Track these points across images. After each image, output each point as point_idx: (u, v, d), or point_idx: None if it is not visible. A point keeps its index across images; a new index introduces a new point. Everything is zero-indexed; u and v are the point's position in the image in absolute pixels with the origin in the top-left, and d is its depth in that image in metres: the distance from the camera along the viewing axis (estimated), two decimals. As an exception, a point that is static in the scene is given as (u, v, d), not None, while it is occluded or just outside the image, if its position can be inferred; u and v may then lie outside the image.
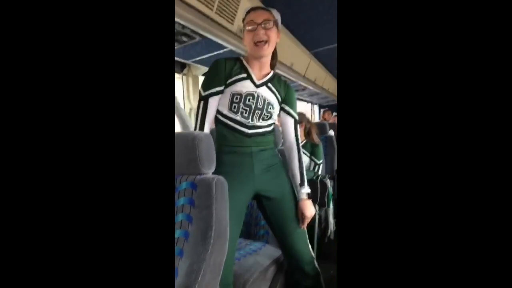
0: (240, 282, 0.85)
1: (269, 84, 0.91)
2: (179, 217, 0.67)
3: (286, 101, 0.95)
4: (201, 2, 0.98)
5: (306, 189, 0.92)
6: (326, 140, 2.11)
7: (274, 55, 0.93)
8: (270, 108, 0.89)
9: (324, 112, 3.41)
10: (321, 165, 1.65)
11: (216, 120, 0.91)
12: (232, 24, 1.17)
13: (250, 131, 0.89)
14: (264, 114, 0.88)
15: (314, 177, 1.38)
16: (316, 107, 4.23)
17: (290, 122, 0.96)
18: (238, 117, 0.87)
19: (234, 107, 0.86)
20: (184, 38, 1.12)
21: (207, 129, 0.88)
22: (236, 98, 0.86)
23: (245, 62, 0.91)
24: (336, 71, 2.78)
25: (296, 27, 1.63)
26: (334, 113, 3.32)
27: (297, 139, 0.96)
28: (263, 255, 1.00)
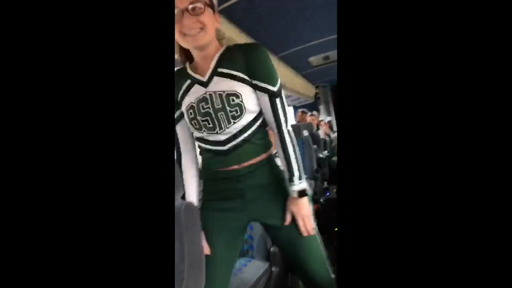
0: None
1: (220, 69, 0.69)
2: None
3: (253, 72, 0.69)
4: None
5: (297, 185, 0.70)
6: (303, 142, 2.13)
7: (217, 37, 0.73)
8: (233, 99, 0.67)
9: (301, 114, 3.45)
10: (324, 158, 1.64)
11: (198, 147, 0.77)
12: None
13: (225, 147, 0.70)
14: (230, 112, 0.67)
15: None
16: (291, 109, 4.29)
17: (264, 99, 0.69)
18: (204, 135, 0.70)
19: (195, 124, 0.70)
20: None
21: (187, 156, 0.75)
22: (191, 113, 0.70)
23: (188, 65, 0.73)
24: (304, 72, 2.83)
25: (258, 34, 1.63)
26: (309, 113, 3.36)
27: (276, 119, 0.70)
28: (248, 272, 0.97)
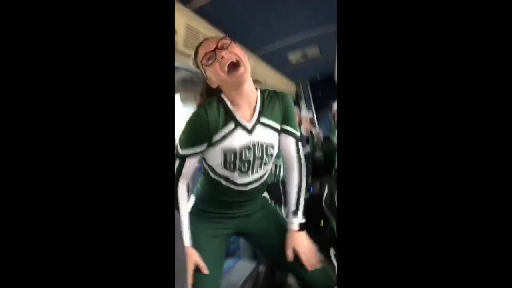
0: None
1: (262, 119, 0.74)
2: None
3: (287, 120, 0.78)
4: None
5: (299, 219, 0.76)
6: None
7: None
8: (270, 150, 0.75)
9: None
10: (281, 166, 1.66)
11: (205, 171, 0.78)
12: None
13: (247, 188, 0.76)
14: (265, 160, 0.75)
15: (275, 180, 1.38)
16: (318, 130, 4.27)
17: (291, 142, 0.78)
18: (235, 175, 0.74)
19: (229, 165, 0.73)
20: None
21: (181, 189, 0.74)
22: (230, 157, 0.72)
23: (228, 104, 0.72)
24: (284, 70, 2.84)
25: (236, 32, 1.62)
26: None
27: (299, 160, 0.79)
28: (236, 273, 0.96)
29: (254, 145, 0.73)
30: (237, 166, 0.73)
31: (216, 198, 0.79)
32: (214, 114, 0.71)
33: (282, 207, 1.37)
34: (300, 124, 3.40)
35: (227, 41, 0.70)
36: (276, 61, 2.50)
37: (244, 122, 0.73)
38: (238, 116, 0.73)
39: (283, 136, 0.79)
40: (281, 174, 1.66)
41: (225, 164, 0.73)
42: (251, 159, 0.73)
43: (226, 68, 0.68)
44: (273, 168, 1.64)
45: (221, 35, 1.60)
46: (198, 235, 0.73)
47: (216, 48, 0.68)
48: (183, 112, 2.05)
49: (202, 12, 1.24)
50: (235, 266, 1.02)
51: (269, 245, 0.81)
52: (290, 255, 0.74)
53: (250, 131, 0.73)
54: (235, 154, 0.72)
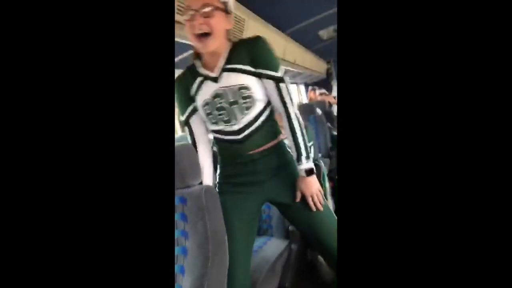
0: (249, 283, 0.86)
1: (229, 65, 0.74)
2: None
3: (257, 62, 0.74)
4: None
5: (304, 164, 0.75)
6: (316, 120, 2.10)
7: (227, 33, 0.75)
8: (245, 92, 0.73)
9: (310, 91, 3.37)
10: (311, 147, 1.64)
11: (213, 138, 0.81)
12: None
13: (240, 136, 0.75)
14: (242, 104, 0.74)
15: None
16: (302, 87, 4.19)
17: (270, 86, 0.75)
18: (221, 127, 0.76)
19: (211, 118, 0.75)
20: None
21: (202, 147, 0.79)
22: (207, 109, 0.75)
23: (197, 62, 0.77)
24: (315, 47, 2.73)
25: (266, 11, 1.57)
26: (318, 91, 3.28)
27: (284, 104, 0.75)
28: (268, 250, 1.00)
29: (224, 91, 0.74)
30: (216, 116, 0.75)
31: (232, 160, 0.79)
32: (187, 74, 0.78)
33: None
34: (331, 104, 3.30)
35: (210, 9, 0.68)
36: (306, 38, 2.41)
37: (208, 73, 0.75)
38: (202, 69, 0.76)
39: (263, 81, 0.75)
40: (312, 154, 1.65)
41: (207, 117, 0.76)
42: (225, 105, 0.74)
43: (194, 35, 0.70)
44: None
45: (253, 16, 1.59)
46: (227, 216, 0.73)
47: (198, 10, 0.68)
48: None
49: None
50: (268, 243, 1.05)
51: (300, 223, 0.82)
52: (298, 196, 0.76)
53: (216, 79, 0.75)
54: (208, 104, 0.75)
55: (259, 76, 0.75)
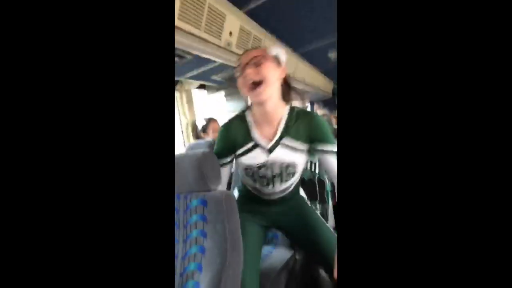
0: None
1: (285, 140, 0.74)
2: (193, 234, 0.70)
3: (315, 138, 0.74)
4: (190, 24, 1.01)
5: None
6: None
7: (286, 88, 0.76)
8: (291, 169, 0.77)
9: (316, 110, 3.47)
10: (316, 164, 1.69)
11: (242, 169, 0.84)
12: (219, 39, 1.21)
13: (272, 198, 0.84)
14: (285, 177, 0.78)
15: (312, 176, 1.43)
16: (308, 105, 4.28)
17: (330, 160, 0.74)
18: (257, 186, 0.82)
19: (250, 177, 0.80)
20: (176, 59, 1.15)
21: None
22: (249, 171, 0.79)
23: (251, 121, 0.76)
24: (323, 68, 2.83)
25: (278, 31, 1.68)
26: (320, 110, 3.40)
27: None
28: (276, 257, 1.03)
29: (271, 164, 0.76)
30: (257, 179, 0.80)
31: (250, 196, 0.88)
32: (237, 129, 0.76)
33: (317, 203, 1.42)
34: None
35: (260, 58, 0.69)
36: (316, 59, 2.51)
37: (262, 143, 0.75)
38: (257, 135, 0.75)
39: (322, 156, 0.75)
40: (317, 170, 1.70)
41: (247, 175, 0.81)
42: (268, 175, 0.78)
43: (246, 86, 0.70)
44: (308, 165, 1.68)
45: (269, 36, 1.68)
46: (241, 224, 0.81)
47: (247, 63, 0.69)
48: (227, 107, 2.17)
49: (254, 14, 1.32)
50: (273, 252, 1.09)
51: (303, 242, 0.87)
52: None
53: (269, 150, 0.76)
54: (253, 169, 0.78)
55: (316, 151, 0.76)
